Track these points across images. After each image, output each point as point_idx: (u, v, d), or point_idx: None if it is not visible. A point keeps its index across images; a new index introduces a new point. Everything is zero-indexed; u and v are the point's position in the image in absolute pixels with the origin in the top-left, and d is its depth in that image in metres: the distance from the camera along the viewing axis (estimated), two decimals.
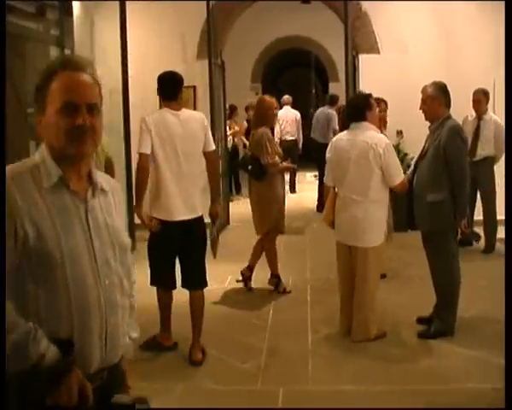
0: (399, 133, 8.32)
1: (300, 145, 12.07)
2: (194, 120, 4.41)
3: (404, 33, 8.34)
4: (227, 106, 11.07)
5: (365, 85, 8.37)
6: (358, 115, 4.51)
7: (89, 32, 8.36)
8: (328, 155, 4.66)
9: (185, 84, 8.53)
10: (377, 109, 4.67)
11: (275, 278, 5.81)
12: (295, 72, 21.09)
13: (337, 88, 15.85)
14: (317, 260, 6.92)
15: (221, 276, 6.37)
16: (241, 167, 5.92)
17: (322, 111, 10.95)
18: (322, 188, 11.06)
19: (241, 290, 5.93)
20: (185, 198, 4.25)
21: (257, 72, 16.50)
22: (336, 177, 4.60)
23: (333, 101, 11.19)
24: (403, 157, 8.16)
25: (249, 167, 5.68)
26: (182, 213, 4.21)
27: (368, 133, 4.44)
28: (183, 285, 4.39)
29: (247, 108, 12.07)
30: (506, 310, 2.61)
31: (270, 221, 5.65)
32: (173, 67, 8.96)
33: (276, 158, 5.53)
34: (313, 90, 18.09)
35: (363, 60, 8.43)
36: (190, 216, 4.28)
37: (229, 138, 11.20)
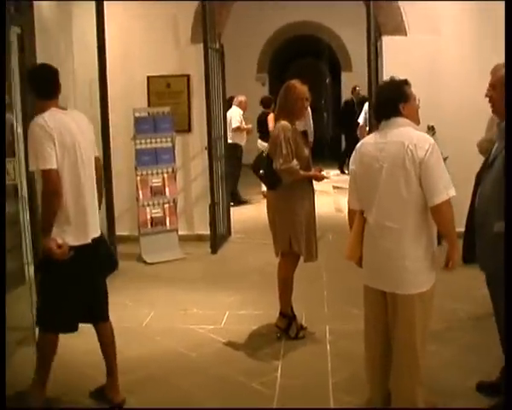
0: (431, 129, 7.00)
1: (312, 139, 10.87)
2: (83, 120, 3.66)
3: (435, 12, 7.02)
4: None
5: (389, 73, 7.05)
6: (390, 109, 3.22)
7: (68, 17, 7.08)
8: (351, 166, 3.37)
9: (178, 72, 7.38)
10: (417, 100, 3.35)
11: (285, 318, 4.51)
12: (305, 61, 19.75)
13: (350, 78, 14.65)
14: (336, 286, 5.65)
15: (215, 311, 5.11)
16: (252, 170, 4.62)
17: None
18: None
19: (241, 334, 4.63)
20: (93, 213, 3.56)
21: (263, 61, 15.22)
22: (363, 196, 3.28)
23: None
24: None
25: (261, 172, 4.43)
26: (93, 231, 3.55)
27: (403, 131, 3.15)
28: (88, 319, 3.66)
29: (263, 102, 10.81)
30: (506, 309, 2.37)
31: (284, 241, 4.40)
32: (164, 53, 7.76)
33: (295, 162, 4.25)
34: (327, 80, 16.79)
35: (387, 43, 7.12)
36: (98, 233, 3.63)
37: (244, 135, 10.07)
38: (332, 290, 5.56)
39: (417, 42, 7.06)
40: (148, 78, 7.33)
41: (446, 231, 3.08)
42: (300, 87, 4.39)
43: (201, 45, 6.82)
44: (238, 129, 9.85)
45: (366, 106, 11.02)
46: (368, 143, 3.31)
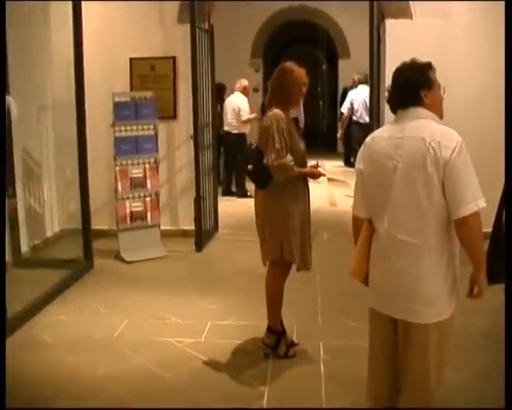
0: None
1: (302, 126, 10.80)
2: None
3: None
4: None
5: (392, 61, 6.53)
6: (410, 96, 2.66)
7: None
8: (358, 165, 2.79)
9: (163, 54, 6.79)
10: (442, 89, 2.80)
11: (273, 335, 3.97)
12: (301, 47, 19.14)
13: (348, 66, 14.10)
14: (330, 292, 5.14)
15: (196, 321, 4.58)
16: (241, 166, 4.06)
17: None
18: None
19: (224, 350, 4.08)
20: None
21: (257, 46, 14.60)
22: (372, 202, 2.71)
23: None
24: None
25: (249, 167, 3.87)
26: None
27: (424, 124, 2.59)
28: None
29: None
30: (506, 310, 2.20)
31: (275, 248, 3.84)
32: (148, 33, 7.16)
33: (289, 157, 3.69)
34: (323, 67, 16.23)
35: (391, 26, 6.56)
36: None
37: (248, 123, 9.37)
38: (326, 297, 5.04)
39: (424, 26, 6.50)
40: (131, 60, 6.76)
41: (472, 250, 2.53)
42: (298, 70, 3.83)
43: (189, 25, 6.24)
44: (248, 120, 9.23)
45: (352, 93, 10.44)
46: (380, 136, 2.75)
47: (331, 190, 10.04)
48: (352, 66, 13.62)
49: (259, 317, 4.24)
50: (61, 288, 5.28)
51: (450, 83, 6.42)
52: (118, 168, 6.10)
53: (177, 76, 6.74)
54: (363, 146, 2.76)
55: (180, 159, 6.86)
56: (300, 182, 3.85)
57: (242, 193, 9.29)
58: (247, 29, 14.16)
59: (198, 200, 6.33)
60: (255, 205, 3.97)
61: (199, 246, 6.38)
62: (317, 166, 3.97)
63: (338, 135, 11.05)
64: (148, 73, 6.73)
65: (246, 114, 9.16)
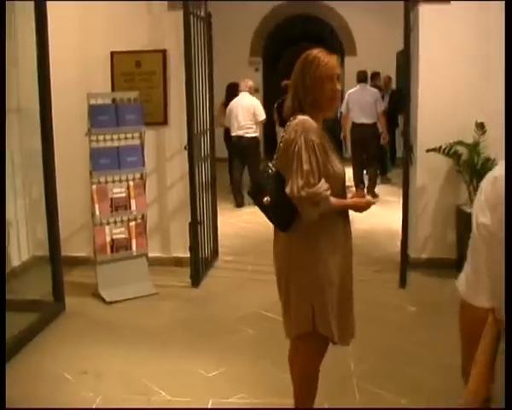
0: (480, 127, 5.37)
1: None
2: None
3: None
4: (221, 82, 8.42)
5: (426, 51, 5.43)
6: None
7: None
8: (481, 219, 1.52)
9: (150, 46, 5.60)
10: None
11: None
12: (303, 45, 18.03)
13: (353, 63, 12.98)
14: (367, 351, 3.99)
15: (192, 397, 3.42)
16: (251, 195, 2.83)
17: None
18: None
19: None
20: None
21: (257, 43, 13.49)
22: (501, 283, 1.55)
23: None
24: (484, 163, 5.28)
25: (265, 200, 2.70)
26: None
27: None
28: None
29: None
30: (506, 309, 1.47)
31: (303, 318, 2.68)
32: (133, 21, 5.97)
33: (323, 185, 2.55)
34: None
35: (425, 13, 5.43)
36: None
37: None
38: (363, 342, 3.87)
39: (463, 12, 5.38)
40: (112, 54, 5.61)
41: None
42: (327, 59, 2.65)
43: (181, 12, 5.10)
44: (261, 122, 8.62)
45: (349, 92, 9.36)
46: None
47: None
48: (358, 63, 12.56)
49: (276, 390, 3.18)
50: (20, 342, 4.13)
51: (493, 79, 5.43)
52: (95, 187, 4.95)
53: (168, 73, 5.59)
54: (486, 182, 1.59)
55: (172, 173, 5.70)
56: (339, 219, 2.70)
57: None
58: (245, 25, 13.06)
59: (194, 225, 5.18)
60: (275, 254, 2.83)
61: (195, 281, 5.23)
62: (362, 193, 2.81)
63: (341, 136, 10.10)
64: (133, 70, 5.58)
65: (263, 114, 8.53)
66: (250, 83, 8.66)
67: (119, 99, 5.14)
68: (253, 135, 8.44)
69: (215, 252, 6.04)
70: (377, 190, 9.15)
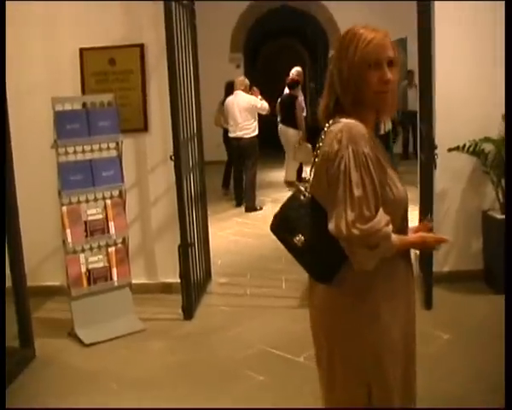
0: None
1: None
2: None
3: None
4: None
5: (443, 45, 4.73)
6: None
7: None
8: None
9: (126, 41, 4.64)
10: None
11: None
12: (282, 39, 17.36)
13: None
14: None
15: None
16: (273, 229, 2.01)
17: None
18: None
19: None
20: None
21: (237, 38, 12.72)
22: None
23: None
24: None
25: (297, 239, 1.91)
26: None
27: None
28: None
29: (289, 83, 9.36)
30: (506, 309, 2.00)
31: (355, 394, 1.90)
32: (105, 12, 5.08)
33: (382, 217, 1.77)
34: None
35: (441, 8, 4.71)
36: None
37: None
38: None
39: (482, 9, 4.72)
40: (82, 51, 4.82)
41: None
42: (373, 37, 1.84)
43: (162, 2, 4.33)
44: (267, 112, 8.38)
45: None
46: None
47: None
48: None
49: None
50: None
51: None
52: (65, 208, 4.16)
53: (147, 71, 4.82)
54: None
55: (155, 187, 4.94)
56: (401, 260, 1.96)
57: (250, 207, 8.20)
58: (224, 19, 12.29)
59: (184, 248, 4.42)
60: (311, 313, 2.07)
61: (188, 313, 4.47)
62: (429, 226, 2.07)
63: None
64: (106, 69, 4.80)
65: (266, 105, 8.26)
66: (246, 81, 8.33)
67: (90, 103, 4.36)
68: (252, 135, 8.12)
69: (208, 274, 5.28)
70: None
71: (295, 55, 17.63)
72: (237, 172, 8.49)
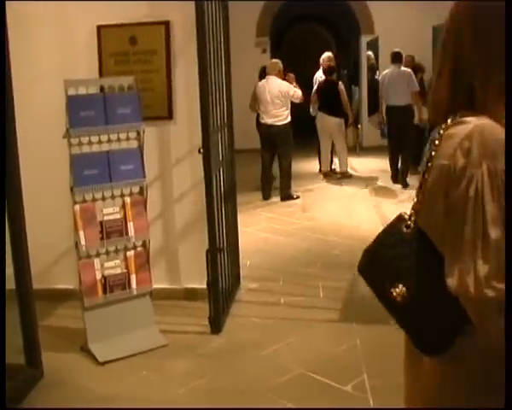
0: None
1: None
2: None
3: None
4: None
5: None
6: None
7: None
8: None
9: (150, 18, 4.12)
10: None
11: None
12: (304, 26, 16.76)
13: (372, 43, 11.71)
14: None
15: None
16: (362, 272, 1.40)
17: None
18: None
19: None
20: None
21: (264, 22, 12.11)
22: None
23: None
24: None
25: (397, 290, 1.28)
26: None
27: None
28: None
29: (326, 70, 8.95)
30: (506, 310, 1.26)
31: None
32: None
33: None
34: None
35: None
36: None
37: None
38: None
39: None
40: (99, 28, 4.29)
41: None
42: None
43: None
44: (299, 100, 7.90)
45: (382, 76, 8.85)
46: None
47: (381, 207, 7.58)
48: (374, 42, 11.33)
49: None
50: None
51: None
52: (78, 207, 3.65)
53: (173, 52, 4.29)
54: None
55: (180, 183, 4.41)
56: None
57: (286, 195, 7.85)
58: (250, 2, 11.68)
59: (213, 253, 3.89)
60: (408, 394, 1.47)
61: (216, 326, 3.95)
62: None
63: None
64: (127, 49, 4.28)
65: (300, 93, 7.75)
66: (279, 65, 7.77)
67: (108, 87, 3.82)
68: (284, 122, 7.64)
69: (237, 279, 4.76)
70: (409, 179, 8.23)
71: (321, 41, 17.02)
72: (266, 162, 7.98)
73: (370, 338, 3.80)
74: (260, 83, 7.78)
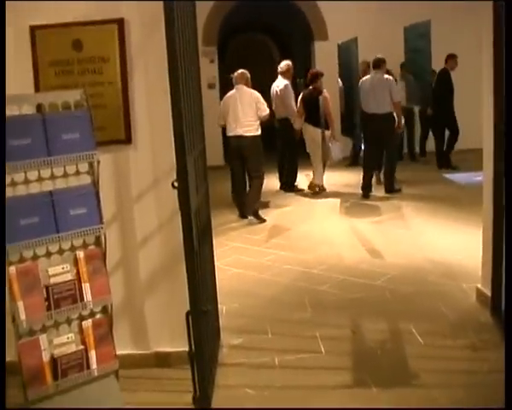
0: None
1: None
2: None
3: None
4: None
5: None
6: None
7: None
8: None
9: (98, 15, 2.96)
10: None
11: None
12: (249, 35, 16.11)
13: (323, 48, 11.10)
14: None
15: None
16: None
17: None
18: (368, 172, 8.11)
19: None
20: None
21: (210, 30, 11.27)
22: None
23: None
24: None
25: None
26: None
27: None
28: None
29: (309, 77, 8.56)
30: (506, 310, 1.97)
31: None
32: None
33: None
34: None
35: None
36: None
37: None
38: None
39: None
40: (33, 29, 3.35)
41: None
42: None
43: None
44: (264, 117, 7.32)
45: (361, 82, 8.38)
46: None
47: (354, 221, 6.91)
48: (328, 48, 10.69)
49: None
50: None
51: None
52: (14, 269, 2.69)
53: (129, 58, 3.38)
54: None
55: (144, 221, 3.50)
56: None
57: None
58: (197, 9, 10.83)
59: (195, 316, 2.97)
60: None
61: (204, 405, 3.04)
62: None
63: None
64: (70, 56, 3.35)
65: (266, 108, 7.23)
66: (247, 74, 7.37)
67: (48, 105, 2.89)
68: (255, 134, 7.13)
69: (217, 334, 3.87)
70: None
71: (264, 49, 16.49)
72: (238, 177, 7.43)
73: (395, 404, 3.03)
74: (229, 94, 7.30)
